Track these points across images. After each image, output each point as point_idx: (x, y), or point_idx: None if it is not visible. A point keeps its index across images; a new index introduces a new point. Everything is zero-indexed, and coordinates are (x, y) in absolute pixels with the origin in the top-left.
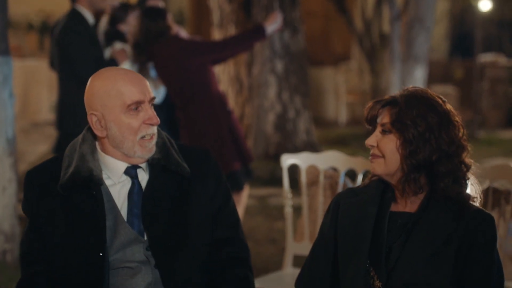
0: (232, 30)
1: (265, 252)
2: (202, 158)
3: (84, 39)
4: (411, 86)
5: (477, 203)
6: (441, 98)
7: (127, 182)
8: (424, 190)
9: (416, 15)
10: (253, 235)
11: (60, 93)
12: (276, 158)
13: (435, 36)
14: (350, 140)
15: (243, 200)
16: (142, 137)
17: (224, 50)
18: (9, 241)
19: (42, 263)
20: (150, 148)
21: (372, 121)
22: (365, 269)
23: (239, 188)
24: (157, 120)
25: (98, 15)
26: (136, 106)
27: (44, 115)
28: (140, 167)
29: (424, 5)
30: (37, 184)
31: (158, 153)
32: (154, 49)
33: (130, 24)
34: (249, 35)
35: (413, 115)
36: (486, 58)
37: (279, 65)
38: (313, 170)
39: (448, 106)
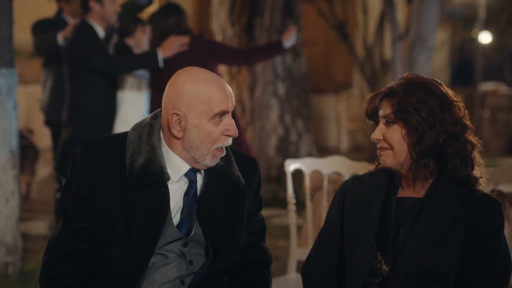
0: None
1: None
2: (251, 168)
3: (97, 40)
4: (405, 74)
5: (482, 184)
6: (436, 81)
7: (183, 183)
8: (434, 174)
9: (417, 35)
10: None
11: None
12: (278, 181)
13: (435, 63)
14: None
15: None
16: (217, 148)
17: (245, 61)
18: (11, 254)
19: (90, 242)
20: (218, 159)
21: (373, 115)
22: (372, 253)
23: None
24: (235, 132)
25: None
26: (221, 115)
27: (46, 141)
28: (199, 170)
29: (425, 24)
30: (97, 159)
31: (222, 160)
32: None
33: (138, 38)
34: (269, 51)
35: (414, 102)
36: (487, 86)
37: (281, 88)
38: (317, 175)
39: (446, 88)
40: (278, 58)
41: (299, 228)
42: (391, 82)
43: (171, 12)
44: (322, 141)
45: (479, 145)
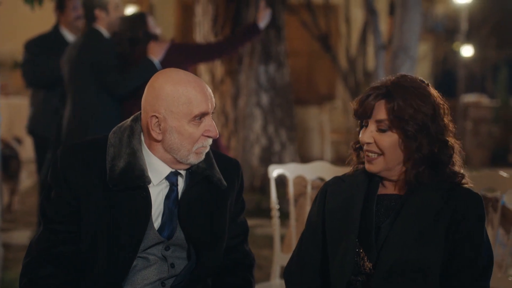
0: (217, 62)
1: None
2: (234, 171)
3: (107, 47)
4: (399, 74)
5: (466, 180)
6: (424, 81)
7: (164, 187)
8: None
9: (400, 44)
10: None
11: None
12: (261, 191)
13: (417, 75)
14: None
15: None
16: (197, 148)
17: (221, 53)
18: None
19: (71, 245)
20: (203, 155)
21: (363, 115)
22: (355, 251)
23: None
24: (216, 133)
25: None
26: (201, 116)
27: (28, 153)
28: (180, 173)
29: (408, 33)
30: (78, 162)
31: (203, 162)
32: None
33: None
34: (245, 36)
35: (411, 111)
36: (469, 98)
37: (265, 98)
38: (300, 181)
39: (432, 89)
40: (261, 68)
41: (283, 236)
42: (382, 78)
43: (138, 22)
44: (305, 152)
45: (458, 146)
